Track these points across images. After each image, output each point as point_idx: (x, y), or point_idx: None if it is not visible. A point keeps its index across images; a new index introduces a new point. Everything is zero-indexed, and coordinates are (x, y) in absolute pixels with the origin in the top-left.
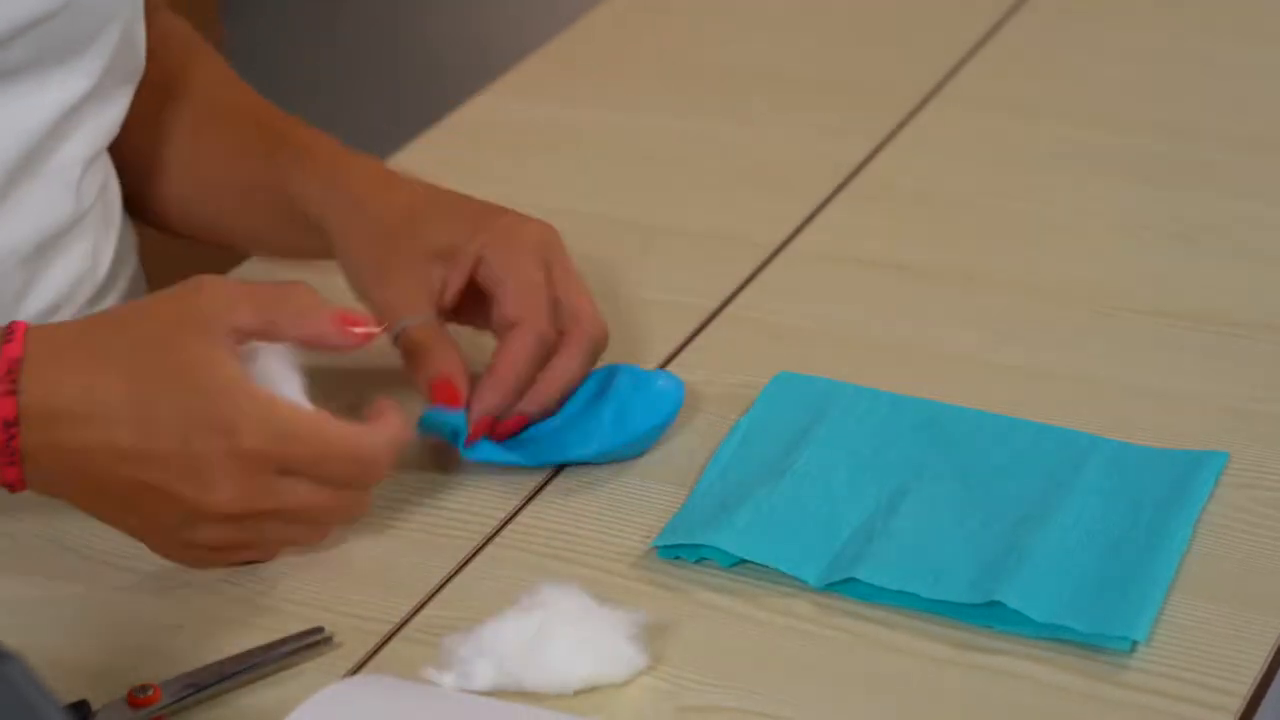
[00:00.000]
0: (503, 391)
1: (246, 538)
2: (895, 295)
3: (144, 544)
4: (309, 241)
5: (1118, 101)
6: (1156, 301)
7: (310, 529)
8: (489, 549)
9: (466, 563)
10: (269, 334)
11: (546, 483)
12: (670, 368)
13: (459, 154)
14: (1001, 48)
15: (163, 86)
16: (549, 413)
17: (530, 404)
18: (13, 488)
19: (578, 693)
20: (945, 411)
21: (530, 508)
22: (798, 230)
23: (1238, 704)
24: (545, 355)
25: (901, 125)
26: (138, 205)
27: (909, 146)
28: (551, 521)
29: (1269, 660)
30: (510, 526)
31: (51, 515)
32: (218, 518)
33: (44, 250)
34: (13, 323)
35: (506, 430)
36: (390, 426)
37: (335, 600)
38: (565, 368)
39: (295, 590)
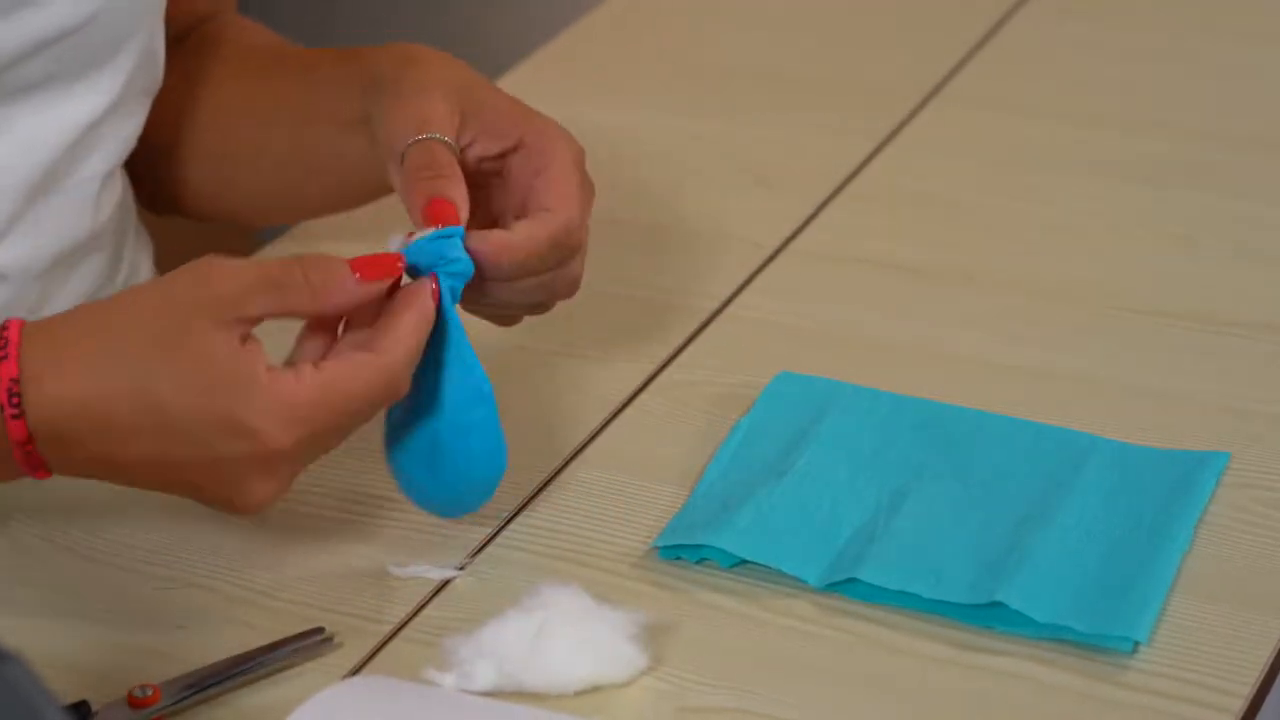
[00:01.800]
0: (510, 253)
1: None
2: (895, 295)
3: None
4: (344, 150)
5: (1118, 101)
6: (1156, 301)
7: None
8: (489, 549)
9: (469, 561)
10: (287, 316)
11: (547, 483)
12: (670, 368)
13: None
14: (1001, 48)
15: (203, 52)
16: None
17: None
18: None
19: (578, 693)
20: (946, 411)
21: (530, 508)
22: (798, 230)
23: (1239, 705)
24: (564, 253)
25: (901, 125)
26: (160, 191)
27: (909, 146)
28: (551, 521)
29: (1270, 661)
30: (510, 526)
31: (51, 515)
32: (259, 503)
33: (61, 265)
34: (6, 323)
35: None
36: (402, 339)
37: (335, 600)
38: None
39: (295, 590)
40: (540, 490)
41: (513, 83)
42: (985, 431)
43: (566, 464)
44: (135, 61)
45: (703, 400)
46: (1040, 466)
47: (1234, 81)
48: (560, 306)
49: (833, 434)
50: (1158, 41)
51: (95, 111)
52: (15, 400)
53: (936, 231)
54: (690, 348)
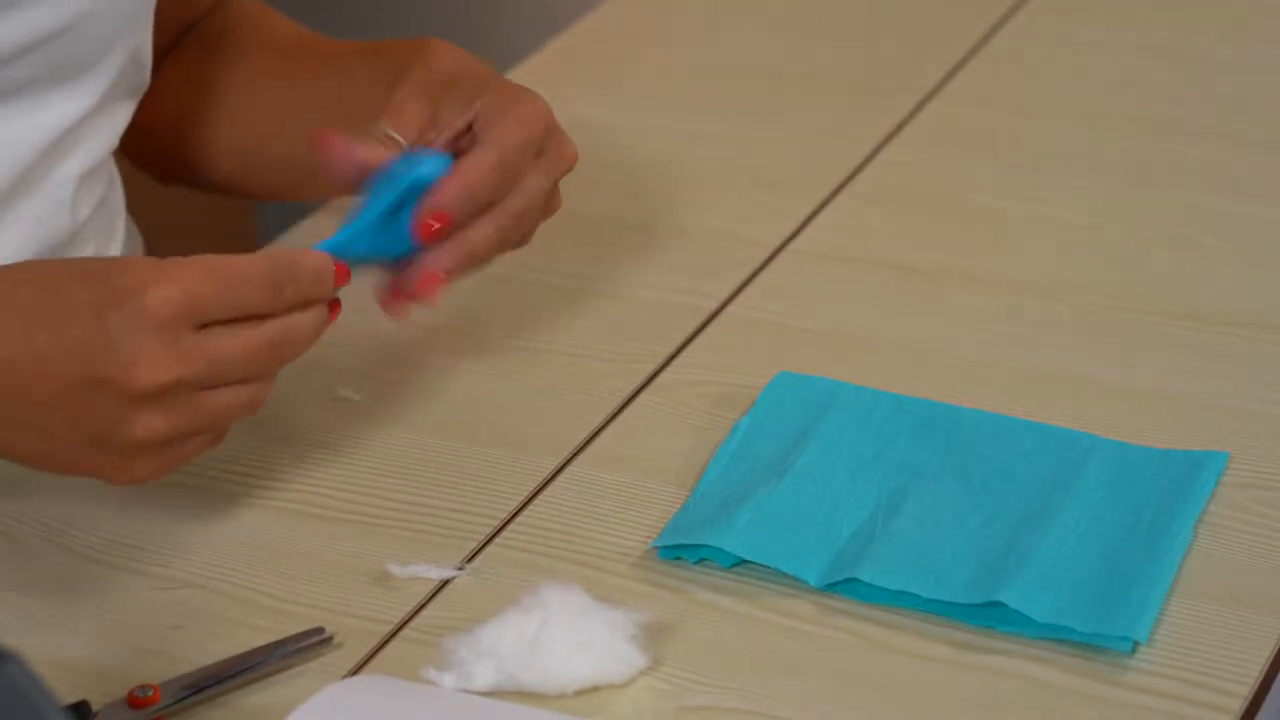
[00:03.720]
0: (453, 196)
1: (186, 419)
2: (895, 295)
3: (92, 472)
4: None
5: (1118, 101)
6: (1156, 301)
7: (249, 387)
8: (489, 549)
9: (468, 561)
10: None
11: (547, 483)
12: (670, 368)
13: None
14: (1002, 48)
15: (222, 35)
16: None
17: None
18: None
19: (578, 693)
20: (946, 412)
21: (530, 508)
22: (798, 230)
23: (1238, 704)
24: (509, 184)
25: (901, 125)
26: (181, 165)
27: (909, 146)
28: (551, 521)
29: (1270, 660)
30: (510, 526)
31: (51, 515)
32: (150, 394)
33: None
34: None
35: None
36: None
37: (335, 600)
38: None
39: (295, 590)
40: (540, 490)
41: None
42: (985, 431)
43: (566, 464)
44: (120, 65)
45: (703, 400)
46: (1040, 466)
47: (1235, 81)
48: (560, 307)
49: (832, 434)
50: (1158, 41)
51: (75, 116)
52: None
53: (936, 231)
54: (690, 348)
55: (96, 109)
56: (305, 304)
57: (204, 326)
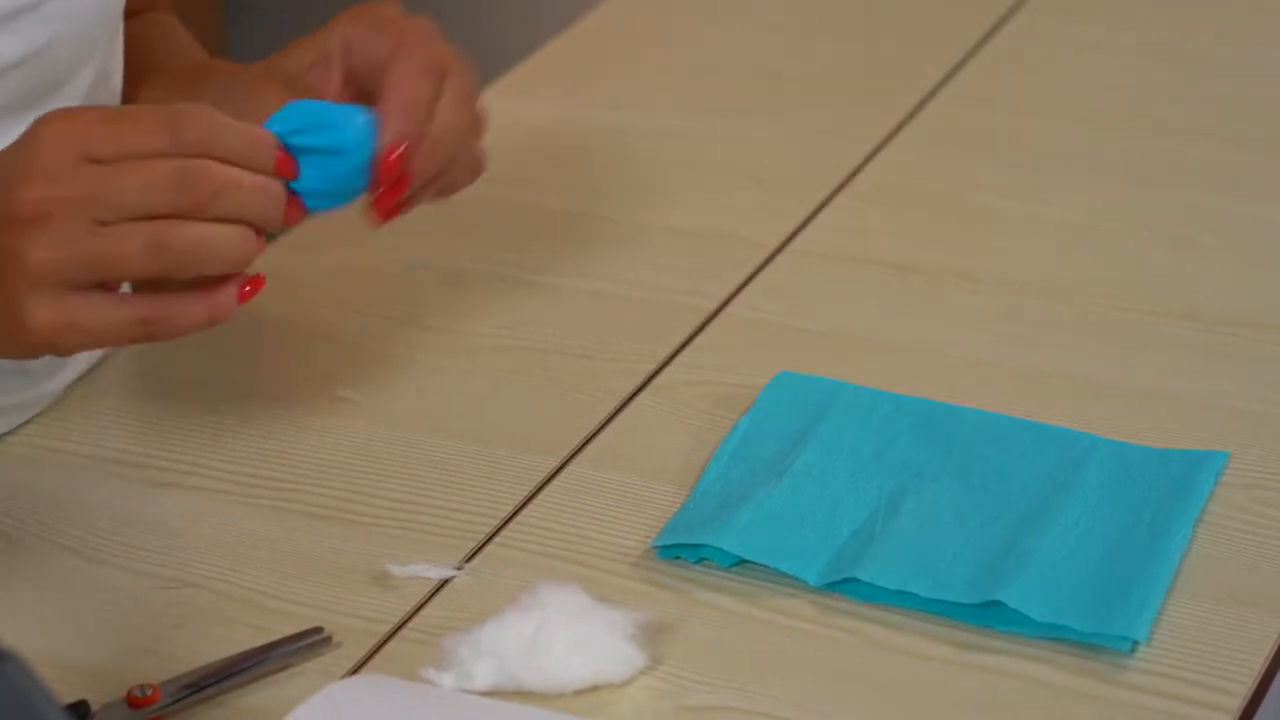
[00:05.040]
0: (404, 116)
1: (79, 249)
2: (895, 295)
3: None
4: None
5: (1118, 101)
6: (1156, 301)
7: (152, 223)
8: (488, 548)
9: (467, 561)
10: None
11: (546, 482)
12: (670, 368)
13: None
14: (1001, 48)
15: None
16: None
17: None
18: None
19: (577, 693)
20: (946, 411)
21: (530, 508)
22: (798, 230)
23: (1238, 704)
24: (436, 88)
25: (902, 125)
26: None
27: (909, 146)
28: (551, 521)
29: (1269, 660)
30: (509, 526)
31: (51, 515)
32: (33, 215)
33: None
34: None
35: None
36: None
37: (335, 600)
38: (451, 111)
39: (295, 590)
40: (540, 490)
41: (513, 83)
42: (985, 431)
43: (566, 463)
44: (89, 84)
45: (703, 400)
46: (1040, 466)
47: (1235, 81)
48: (560, 307)
49: (832, 434)
50: (1158, 41)
51: None
52: None
53: (936, 231)
54: (690, 348)
55: None
56: (223, 156)
57: (97, 162)
